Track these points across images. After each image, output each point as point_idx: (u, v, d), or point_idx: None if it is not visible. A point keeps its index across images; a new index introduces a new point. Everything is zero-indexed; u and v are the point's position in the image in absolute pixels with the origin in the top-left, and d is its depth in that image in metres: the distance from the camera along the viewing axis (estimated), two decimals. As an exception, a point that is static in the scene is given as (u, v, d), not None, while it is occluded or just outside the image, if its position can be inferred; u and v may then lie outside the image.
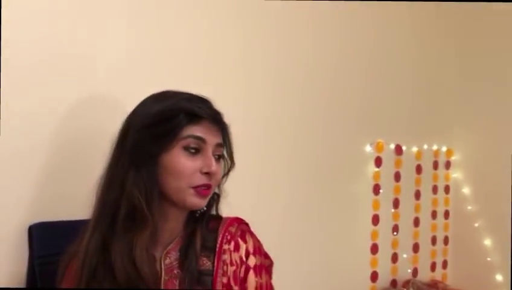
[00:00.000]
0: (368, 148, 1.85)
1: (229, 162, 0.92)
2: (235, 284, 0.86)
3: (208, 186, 0.86)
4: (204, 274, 0.86)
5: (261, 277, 0.88)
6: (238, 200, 0.94)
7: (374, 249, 1.86)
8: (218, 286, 0.85)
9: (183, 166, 0.84)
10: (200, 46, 1.37)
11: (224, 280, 0.86)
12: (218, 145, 0.88)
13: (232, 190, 0.94)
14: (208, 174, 0.85)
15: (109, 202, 0.84)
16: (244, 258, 0.88)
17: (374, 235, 1.86)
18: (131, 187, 0.82)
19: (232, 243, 0.88)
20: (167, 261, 0.87)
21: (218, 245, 0.88)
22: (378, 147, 1.86)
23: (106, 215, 0.84)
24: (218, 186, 0.92)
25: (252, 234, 0.92)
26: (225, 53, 1.42)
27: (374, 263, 1.86)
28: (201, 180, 0.85)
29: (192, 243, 0.87)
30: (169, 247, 0.88)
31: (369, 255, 1.84)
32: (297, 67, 1.61)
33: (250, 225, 0.93)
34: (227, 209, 0.94)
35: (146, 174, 0.83)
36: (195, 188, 0.85)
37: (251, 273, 0.87)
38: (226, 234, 0.89)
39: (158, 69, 1.28)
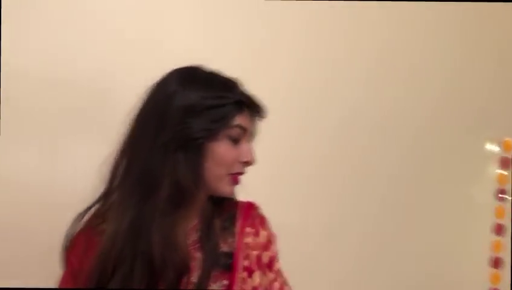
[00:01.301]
0: (491, 147, 1.60)
1: None
2: (258, 268, 0.88)
3: (241, 175, 0.89)
4: (223, 256, 0.87)
5: (278, 262, 0.92)
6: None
7: (496, 263, 1.61)
8: (239, 269, 0.86)
9: (226, 155, 0.85)
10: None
11: (246, 263, 0.87)
12: (253, 134, 0.90)
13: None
14: (245, 163, 0.87)
15: (146, 183, 0.81)
16: (266, 245, 0.90)
17: (496, 246, 1.61)
18: (179, 169, 0.81)
19: (254, 227, 0.90)
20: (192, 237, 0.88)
21: (239, 226, 0.89)
22: (507, 146, 1.59)
23: (141, 196, 0.81)
24: None
25: (268, 222, 0.94)
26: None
27: (494, 279, 1.61)
28: (239, 168, 0.87)
29: (212, 224, 0.87)
30: (189, 227, 0.87)
31: (489, 270, 1.61)
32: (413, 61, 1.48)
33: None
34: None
35: (194, 158, 0.82)
36: (231, 176, 0.87)
37: (275, 262, 0.91)
38: (248, 217, 0.91)
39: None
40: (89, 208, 0.88)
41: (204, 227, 0.87)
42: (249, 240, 0.89)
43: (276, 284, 0.89)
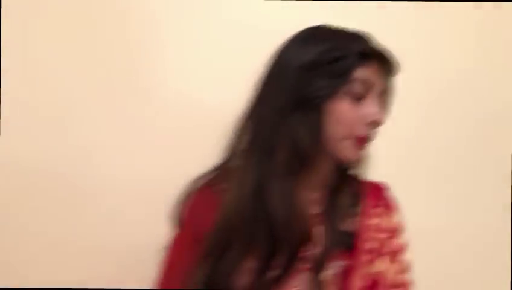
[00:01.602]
0: None
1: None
2: (382, 254, 0.80)
3: (367, 138, 0.77)
4: (345, 235, 0.80)
5: (405, 256, 0.84)
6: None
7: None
8: (362, 250, 0.80)
9: (348, 114, 0.75)
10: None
11: (368, 245, 0.80)
12: (385, 92, 0.78)
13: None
14: (371, 124, 0.75)
15: (265, 147, 0.77)
16: (395, 232, 0.83)
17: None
18: (297, 131, 0.75)
19: (382, 209, 0.83)
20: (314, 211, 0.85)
21: (365, 207, 0.82)
22: None
23: (261, 158, 0.77)
24: None
25: (399, 207, 0.86)
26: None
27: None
28: (362, 130, 0.75)
29: (337, 200, 0.81)
30: (310, 199, 0.82)
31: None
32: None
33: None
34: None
35: (312, 119, 0.75)
36: (354, 138, 0.76)
37: (402, 252, 0.82)
38: (375, 197, 0.84)
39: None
40: (210, 172, 0.84)
41: (329, 201, 0.81)
42: (375, 221, 0.82)
43: (400, 277, 0.81)
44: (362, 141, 0.77)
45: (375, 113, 0.75)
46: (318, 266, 0.77)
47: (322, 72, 0.74)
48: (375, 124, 0.76)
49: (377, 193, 0.85)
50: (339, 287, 0.77)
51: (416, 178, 1.18)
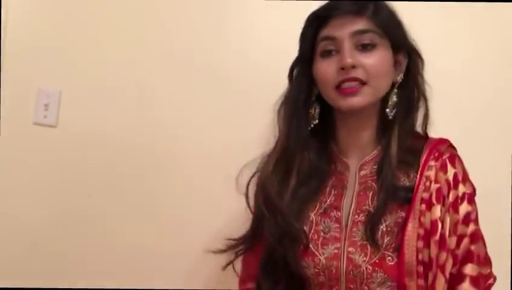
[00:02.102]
0: None
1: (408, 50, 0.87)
2: (437, 202, 0.81)
3: (348, 81, 0.81)
4: (401, 189, 0.83)
5: (471, 205, 0.82)
6: None
7: None
8: (417, 201, 0.81)
9: (321, 71, 0.84)
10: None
11: (425, 195, 0.81)
12: (358, 33, 0.82)
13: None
14: (340, 70, 0.81)
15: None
16: (454, 183, 0.82)
17: None
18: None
19: (440, 161, 0.83)
20: (362, 172, 0.88)
21: (423, 160, 0.83)
22: None
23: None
24: (406, 100, 0.86)
25: (460, 160, 0.86)
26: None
27: None
28: (338, 77, 0.82)
29: (388, 155, 0.84)
30: (366, 158, 0.88)
31: None
32: None
33: None
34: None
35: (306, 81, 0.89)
36: (337, 88, 0.83)
37: (465, 202, 0.82)
38: (434, 151, 0.84)
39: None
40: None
41: (382, 160, 0.85)
42: (431, 173, 0.82)
43: (460, 228, 0.81)
44: (343, 91, 0.82)
45: (342, 58, 0.81)
46: (372, 218, 0.82)
47: (300, 53, 0.90)
48: (346, 67, 0.81)
49: (435, 146, 0.85)
50: (395, 237, 0.80)
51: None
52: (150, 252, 1.30)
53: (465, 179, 0.84)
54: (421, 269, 0.79)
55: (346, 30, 0.82)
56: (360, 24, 0.82)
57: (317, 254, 0.85)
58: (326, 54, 0.84)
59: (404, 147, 0.85)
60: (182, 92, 1.32)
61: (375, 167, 0.86)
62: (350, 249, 0.83)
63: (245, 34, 1.30)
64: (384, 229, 0.82)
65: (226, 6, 1.32)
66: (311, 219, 0.87)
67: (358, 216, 0.85)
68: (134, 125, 1.33)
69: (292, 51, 0.93)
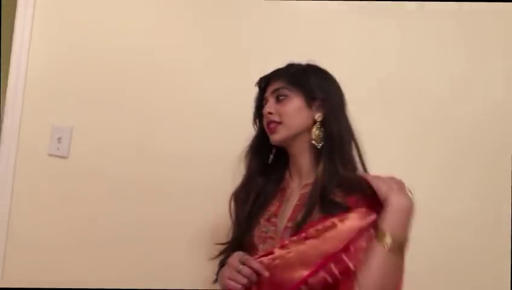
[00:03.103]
0: None
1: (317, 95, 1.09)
2: None
3: (269, 123, 1.11)
4: (333, 205, 1.01)
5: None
6: None
7: None
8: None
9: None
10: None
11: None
12: (275, 91, 1.12)
13: None
14: (265, 116, 1.12)
15: None
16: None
17: None
18: None
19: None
20: (302, 191, 1.09)
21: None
22: None
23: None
24: (328, 134, 1.06)
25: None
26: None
27: None
28: (265, 122, 1.13)
29: (315, 184, 1.05)
30: (307, 181, 1.09)
31: None
32: None
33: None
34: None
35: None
36: (267, 129, 1.13)
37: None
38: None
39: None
40: None
41: (312, 185, 1.08)
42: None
43: None
44: (268, 129, 1.12)
45: (265, 110, 1.12)
46: (296, 225, 1.02)
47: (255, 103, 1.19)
48: (265, 115, 1.11)
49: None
50: None
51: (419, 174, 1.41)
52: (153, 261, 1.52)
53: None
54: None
55: (269, 90, 1.14)
56: (277, 84, 1.12)
57: (258, 248, 1.07)
58: (264, 106, 1.15)
59: (334, 179, 1.03)
60: (180, 128, 1.55)
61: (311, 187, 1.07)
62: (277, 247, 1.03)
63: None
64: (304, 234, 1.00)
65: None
66: (260, 222, 1.11)
67: (290, 223, 1.06)
68: (135, 157, 1.56)
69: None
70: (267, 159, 1.15)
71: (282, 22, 1.55)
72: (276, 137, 1.10)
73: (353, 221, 0.97)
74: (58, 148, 1.59)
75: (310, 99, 1.09)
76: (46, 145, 1.60)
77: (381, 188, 0.97)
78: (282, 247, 1.00)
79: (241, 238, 1.12)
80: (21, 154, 1.60)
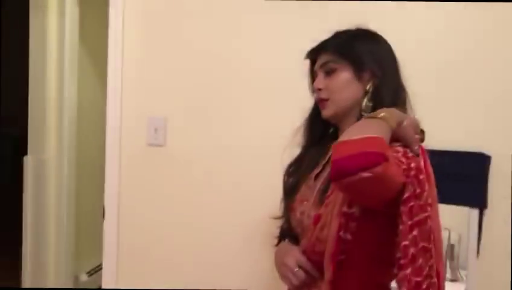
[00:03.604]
0: None
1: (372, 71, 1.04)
2: None
3: (320, 100, 1.10)
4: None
5: None
6: None
7: None
8: None
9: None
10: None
11: None
12: (323, 65, 1.09)
13: None
14: (315, 91, 1.11)
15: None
16: None
17: None
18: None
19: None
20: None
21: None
22: None
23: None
24: (376, 101, 1.02)
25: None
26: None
27: None
28: (315, 98, 1.13)
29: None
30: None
31: None
32: None
33: None
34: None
35: None
36: (319, 104, 1.12)
37: None
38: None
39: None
40: None
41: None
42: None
43: None
44: (320, 105, 1.10)
45: (314, 84, 1.11)
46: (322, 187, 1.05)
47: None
48: (315, 90, 1.10)
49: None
50: None
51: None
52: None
53: None
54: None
55: (318, 64, 1.11)
56: (325, 57, 1.09)
57: (296, 210, 1.11)
58: (313, 77, 1.14)
59: None
60: (265, 114, 1.68)
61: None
62: (311, 207, 1.06)
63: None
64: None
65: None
66: (303, 186, 1.13)
67: (322, 186, 1.07)
68: (225, 143, 1.71)
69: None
70: (320, 132, 1.16)
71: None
72: (326, 113, 1.09)
73: None
74: (155, 138, 1.78)
75: (359, 70, 1.06)
76: (145, 136, 1.78)
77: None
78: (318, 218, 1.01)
79: (286, 202, 1.15)
80: (124, 145, 1.80)
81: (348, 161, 0.82)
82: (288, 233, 1.15)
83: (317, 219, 1.00)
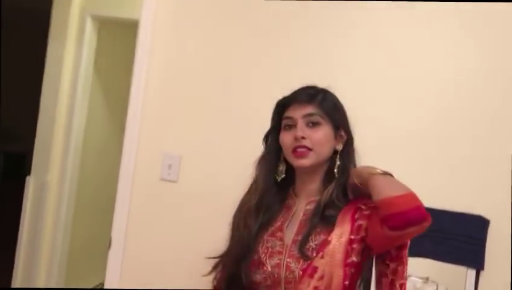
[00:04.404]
0: None
1: (344, 134, 1.18)
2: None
3: (299, 147, 1.13)
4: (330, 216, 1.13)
5: None
6: None
7: None
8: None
9: (283, 139, 1.18)
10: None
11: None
12: (308, 115, 1.15)
13: None
14: (296, 139, 1.14)
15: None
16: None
17: None
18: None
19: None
20: (307, 207, 1.18)
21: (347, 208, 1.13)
22: None
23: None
24: (343, 163, 1.16)
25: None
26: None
27: None
28: (293, 144, 1.14)
29: (323, 199, 1.15)
30: (312, 199, 1.19)
31: None
32: None
33: None
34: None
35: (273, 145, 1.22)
36: (293, 152, 1.15)
37: None
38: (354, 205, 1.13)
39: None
40: None
41: (318, 201, 1.19)
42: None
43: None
44: (296, 154, 1.13)
45: (296, 133, 1.13)
46: (303, 238, 1.11)
47: (271, 124, 1.23)
48: (297, 138, 1.12)
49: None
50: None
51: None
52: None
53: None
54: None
55: (300, 112, 1.16)
56: (309, 109, 1.16)
57: (265, 263, 1.13)
58: (288, 127, 1.17)
59: (336, 196, 1.14)
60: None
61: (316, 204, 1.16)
62: (289, 259, 1.11)
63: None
64: (313, 245, 1.11)
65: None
66: (264, 238, 1.16)
67: (298, 236, 1.13)
68: (237, 182, 1.77)
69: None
70: (278, 177, 1.21)
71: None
72: (305, 162, 1.14)
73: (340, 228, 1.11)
74: (168, 174, 1.84)
75: (336, 131, 1.18)
76: (158, 171, 1.84)
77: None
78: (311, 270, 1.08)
79: (241, 255, 1.15)
80: (137, 178, 1.86)
81: (414, 213, 1.00)
82: (235, 286, 1.16)
83: (314, 270, 1.08)
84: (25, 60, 3.19)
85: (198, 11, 1.85)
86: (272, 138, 1.23)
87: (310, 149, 1.14)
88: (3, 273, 2.67)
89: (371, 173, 1.08)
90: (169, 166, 1.84)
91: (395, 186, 1.04)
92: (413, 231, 1.01)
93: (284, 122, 1.19)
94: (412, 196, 1.02)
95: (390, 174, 1.10)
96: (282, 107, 1.20)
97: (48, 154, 2.62)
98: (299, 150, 1.14)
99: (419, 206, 1.01)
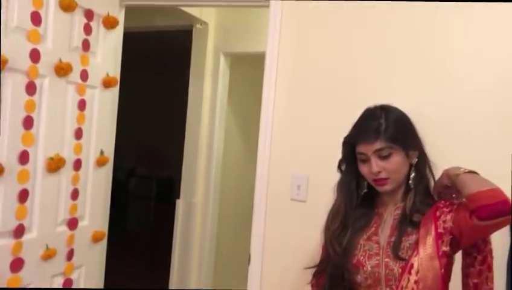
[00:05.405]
0: None
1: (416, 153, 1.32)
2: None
3: (378, 180, 1.31)
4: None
5: None
6: None
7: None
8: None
9: (363, 171, 1.34)
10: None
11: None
12: (378, 150, 1.29)
13: None
14: (373, 174, 1.30)
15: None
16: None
17: None
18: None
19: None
20: (396, 212, 1.35)
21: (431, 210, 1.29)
22: None
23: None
24: (419, 173, 1.32)
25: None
26: None
27: None
28: (372, 176, 1.32)
29: (407, 206, 1.33)
30: (398, 205, 1.36)
31: None
32: None
33: None
34: None
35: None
36: (373, 181, 1.33)
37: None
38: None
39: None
40: None
41: (404, 207, 1.35)
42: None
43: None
44: (376, 183, 1.31)
45: (371, 169, 1.29)
46: (395, 239, 1.29)
47: (343, 155, 1.40)
48: (373, 173, 1.29)
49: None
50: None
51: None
52: None
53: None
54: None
55: (370, 148, 1.29)
56: (377, 144, 1.29)
57: (365, 264, 1.29)
58: (363, 161, 1.33)
59: (418, 202, 1.30)
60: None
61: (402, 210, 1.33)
62: (386, 259, 1.28)
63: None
64: (407, 245, 1.27)
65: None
66: (360, 243, 1.33)
67: (392, 238, 1.30)
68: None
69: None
70: (357, 193, 1.38)
71: None
72: (387, 188, 1.32)
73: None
74: (297, 194, 1.97)
75: (407, 151, 1.31)
76: (288, 191, 1.99)
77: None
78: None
79: (340, 263, 1.32)
80: (270, 198, 2.02)
81: (501, 205, 1.13)
82: (339, 284, 1.34)
83: (411, 267, 1.23)
84: (174, 96, 3.64)
85: (321, 38, 1.97)
86: (348, 166, 1.38)
87: (387, 179, 1.30)
88: (160, 280, 3.07)
89: (456, 174, 1.23)
90: (298, 186, 1.98)
91: (482, 182, 1.19)
92: (501, 221, 1.14)
93: (358, 156, 1.34)
94: (499, 191, 1.15)
95: (475, 173, 1.23)
96: (352, 144, 1.35)
97: (193, 179, 2.97)
98: (379, 182, 1.32)
99: (506, 200, 1.13)
